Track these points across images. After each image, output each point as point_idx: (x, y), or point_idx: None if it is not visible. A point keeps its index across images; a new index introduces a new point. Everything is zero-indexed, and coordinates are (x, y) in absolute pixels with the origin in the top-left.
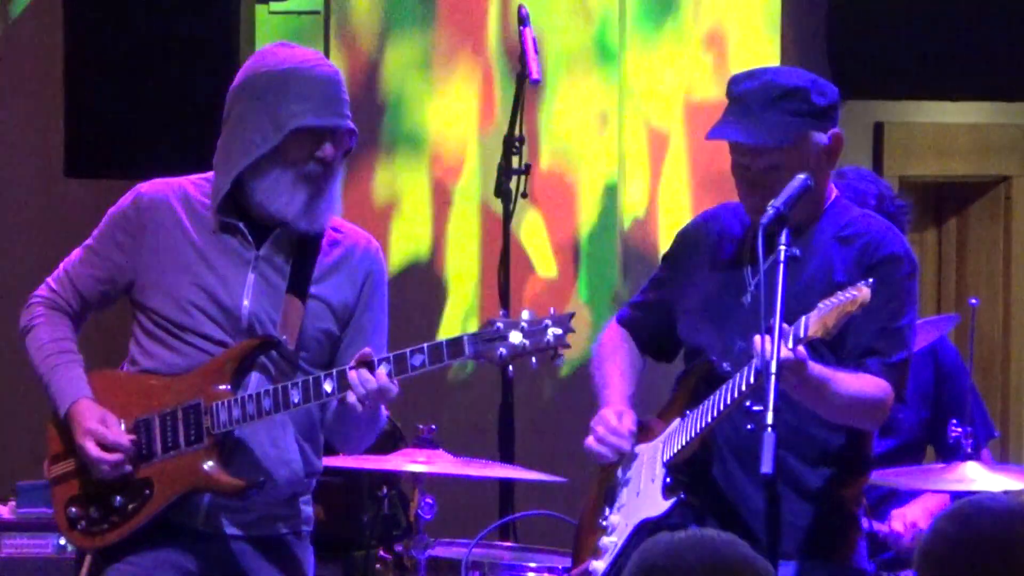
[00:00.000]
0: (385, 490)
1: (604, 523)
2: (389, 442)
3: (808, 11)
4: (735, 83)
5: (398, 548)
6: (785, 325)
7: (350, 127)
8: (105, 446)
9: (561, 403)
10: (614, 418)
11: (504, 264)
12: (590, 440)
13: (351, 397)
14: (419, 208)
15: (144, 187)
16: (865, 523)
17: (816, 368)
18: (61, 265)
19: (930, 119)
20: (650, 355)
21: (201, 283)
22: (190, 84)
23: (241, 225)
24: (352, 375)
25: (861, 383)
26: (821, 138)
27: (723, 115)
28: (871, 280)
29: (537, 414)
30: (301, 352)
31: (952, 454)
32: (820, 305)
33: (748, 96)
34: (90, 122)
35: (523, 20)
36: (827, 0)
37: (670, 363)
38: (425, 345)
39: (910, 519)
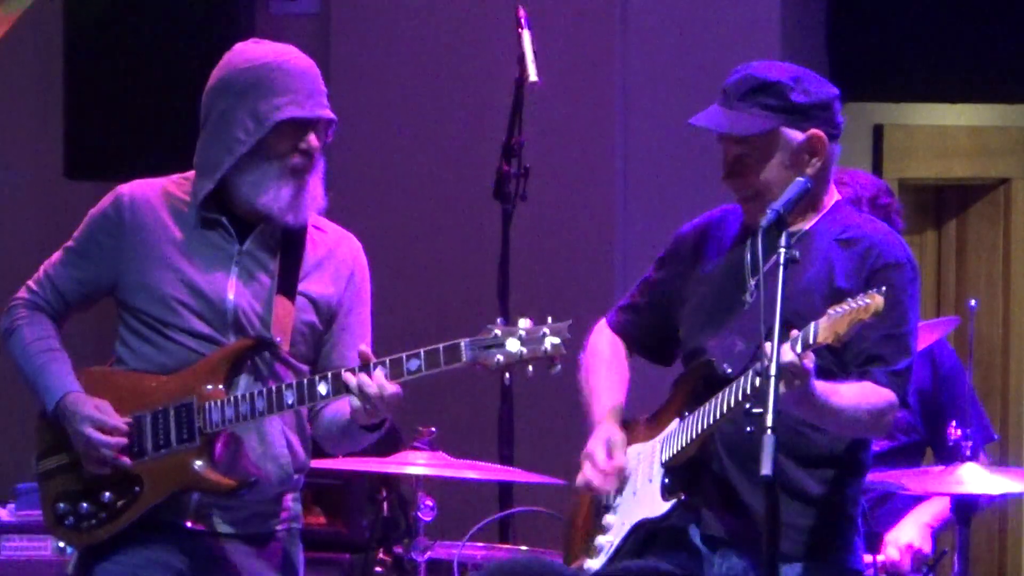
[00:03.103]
0: (385, 492)
1: (600, 522)
2: (389, 444)
3: (808, 12)
4: (728, 75)
5: (398, 550)
6: (795, 331)
7: (332, 118)
8: (105, 430)
9: (560, 405)
10: (602, 453)
11: (504, 267)
12: (580, 477)
13: (356, 404)
14: (420, 208)
15: (124, 188)
16: (868, 558)
17: (818, 385)
18: (41, 267)
19: (930, 121)
20: (647, 357)
21: (184, 279)
22: (190, 85)
23: (224, 220)
24: (350, 379)
25: (864, 395)
26: (794, 135)
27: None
28: (884, 288)
29: (536, 416)
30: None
31: (951, 456)
32: (830, 311)
33: (729, 87)
34: (90, 123)
35: (521, 23)
36: (827, 1)
37: (668, 366)
38: (421, 350)
39: (904, 542)
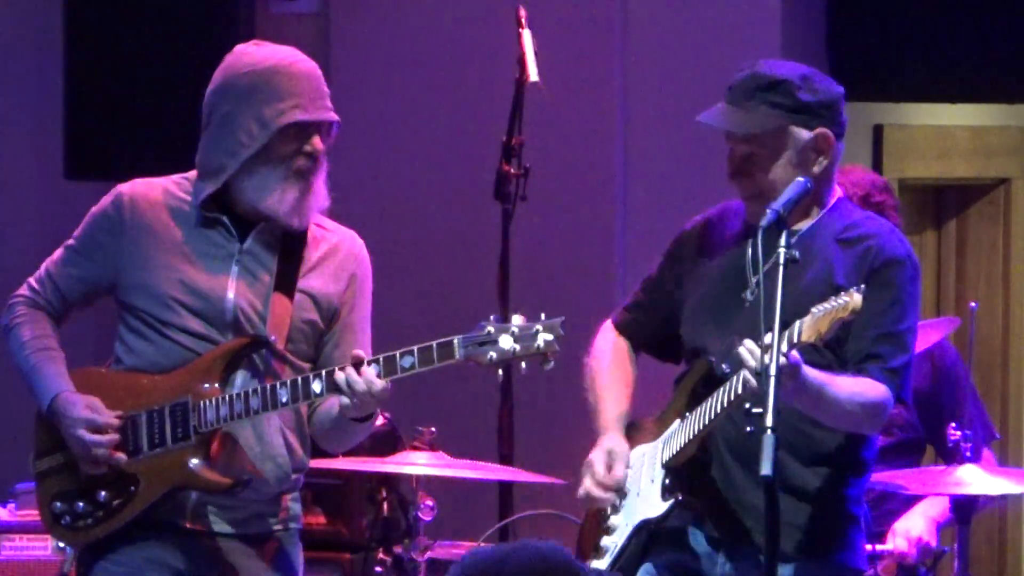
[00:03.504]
0: (384, 492)
1: (606, 523)
2: (388, 444)
3: (808, 12)
4: (734, 73)
5: (397, 550)
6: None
7: (336, 120)
8: (98, 429)
9: (560, 405)
10: (602, 467)
11: (503, 267)
12: (581, 488)
13: (345, 401)
14: (420, 208)
15: (124, 187)
16: (868, 547)
17: (812, 373)
18: (43, 265)
19: (930, 121)
20: (653, 355)
21: (184, 278)
22: (190, 86)
23: (224, 219)
24: (339, 376)
25: (859, 387)
26: (803, 134)
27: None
28: (862, 286)
29: (536, 416)
30: (287, 344)
31: (952, 457)
32: (813, 310)
33: (736, 85)
34: (90, 123)
35: (521, 23)
36: (827, 1)
37: (676, 363)
38: (415, 347)
39: (915, 535)
